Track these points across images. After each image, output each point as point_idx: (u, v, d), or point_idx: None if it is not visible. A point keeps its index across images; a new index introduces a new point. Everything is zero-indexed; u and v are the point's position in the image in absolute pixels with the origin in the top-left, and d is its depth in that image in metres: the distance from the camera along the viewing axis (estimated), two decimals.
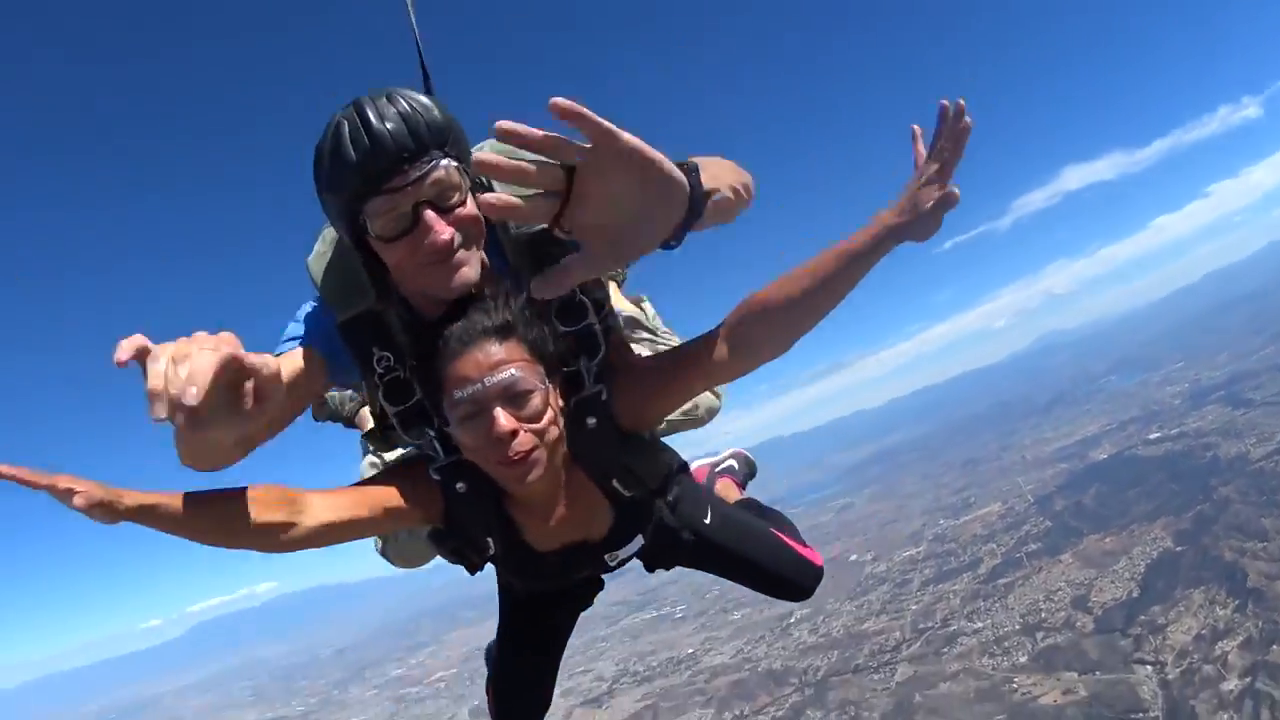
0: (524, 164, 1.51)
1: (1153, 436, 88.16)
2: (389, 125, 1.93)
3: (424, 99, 2.03)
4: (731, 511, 3.06)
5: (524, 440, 2.02)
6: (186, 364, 1.36)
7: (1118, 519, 69.62)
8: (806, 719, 59.13)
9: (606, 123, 1.45)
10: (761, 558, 3.00)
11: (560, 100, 1.37)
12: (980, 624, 63.12)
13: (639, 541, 2.57)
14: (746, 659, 73.65)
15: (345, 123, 1.96)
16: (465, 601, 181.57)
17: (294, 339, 2.29)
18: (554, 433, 2.10)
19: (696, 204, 1.70)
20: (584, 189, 1.54)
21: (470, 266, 2.08)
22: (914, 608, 71.78)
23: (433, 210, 1.99)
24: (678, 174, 1.62)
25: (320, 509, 2.16)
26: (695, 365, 2.19)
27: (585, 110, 1.41)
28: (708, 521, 2.80)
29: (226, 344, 1.44)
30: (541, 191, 1.57)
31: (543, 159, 1.51)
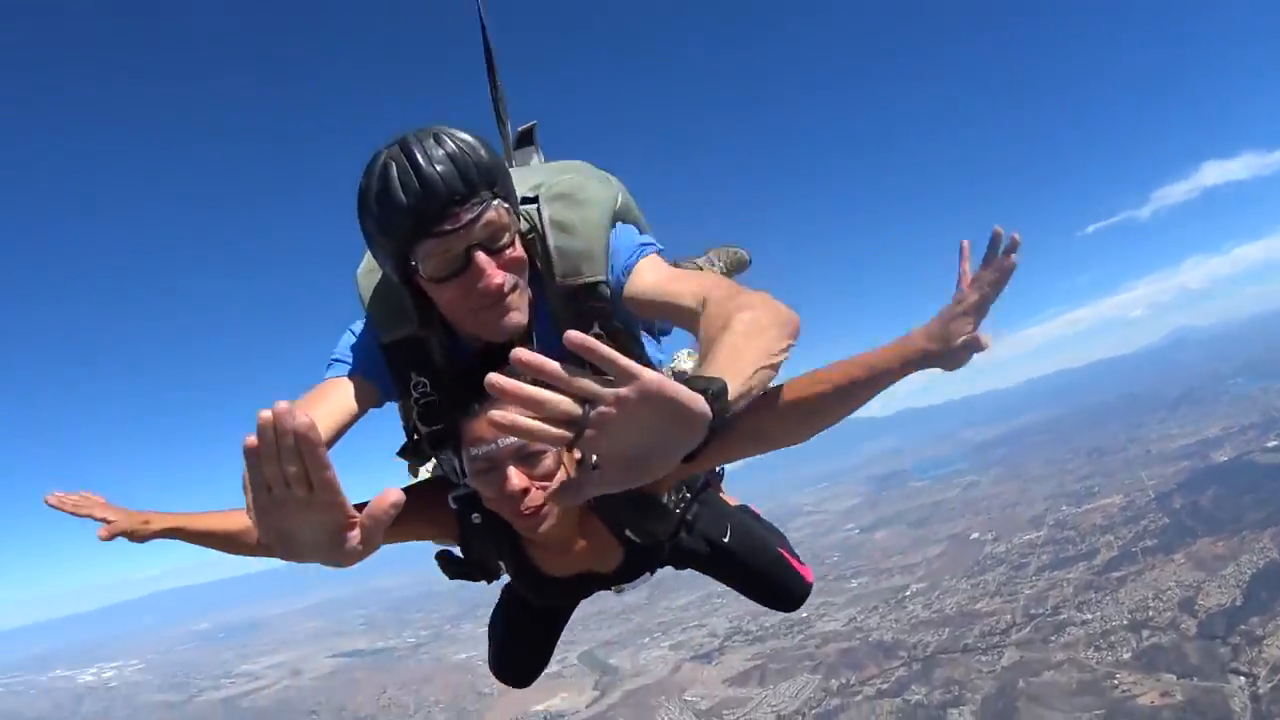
0: (540, 394, 1.33)
1: (1270, 444, 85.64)
2: (439, 168, 1.96)
3: (469, 137, 2.06)
4: (748, 527, 3.20)
5: (535, 497, 2.17)
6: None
7: (1230, 524, 68.27)
8: (911, 694, 59.09)
9: (626, 361, 1.33)
10: (772, 573, 3.23)
11: (575, 335, 1.29)
12: (1090, 615, 62.47)
13: (646, 576, 2.82)
14: (858, 628, 73.46)
15: (393, 164, 1.99)
16: None
17: (341, 361, 2.42)
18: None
19: (719, 427, 1.53)
20: (602, 419, 1.35)
21: (519, 311, 2.17)
22: (1028, 592, 71.02)
23: (484, 253, 2.05)
24: (699, 406, 1.41)
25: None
26: (716, 442, 2.07)
27: (603, 348, 1.30)
28: (726, 540, 2.98)
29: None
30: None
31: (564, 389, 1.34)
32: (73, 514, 2.50)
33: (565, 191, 2.41)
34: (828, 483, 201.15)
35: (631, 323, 2.50)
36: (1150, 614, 59.50)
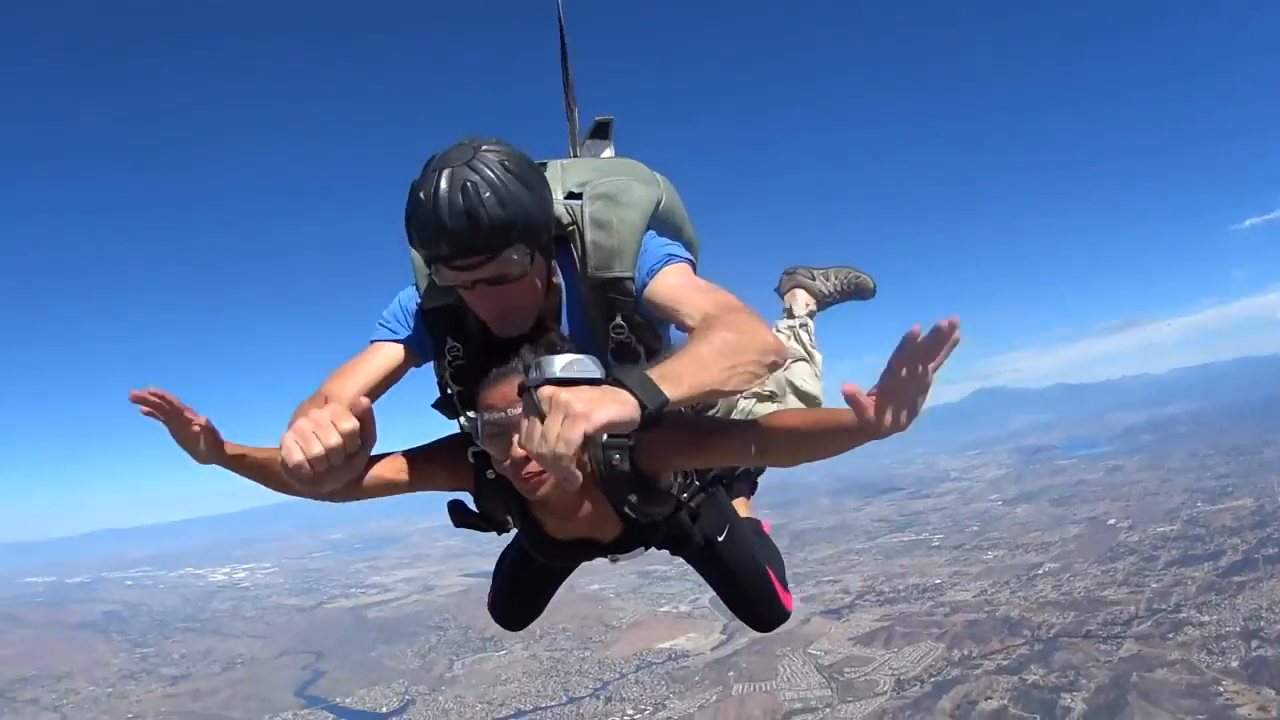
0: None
1: None
2: (454, 226, 2.19)
3: (499, 181, 2.22)
4: (744, 535, 3.40)
5: (535, 465, 2.35)
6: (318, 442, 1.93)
7: None
8: (1029, 674, 58.83)
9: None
10: (749, 588, 3.42)
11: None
12: (1207, 618, 61.34)
13: (640, 550, 3.00)
14: (988, 601, 73.07)
15: (423, 197, 2.23)
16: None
17: (386, 325, 2.75)
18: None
19: (650, 423, 1.79)
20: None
21: (519, 324, 2.48)
22: (1154, 585, 70.02)
23: (488, 286, 2.35)
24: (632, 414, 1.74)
25: (381, 473, 2.66)
26: (710, 445, 2.46)
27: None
28: (721, 539, 3.19)
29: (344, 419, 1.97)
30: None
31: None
32: (151, 413, 2.23)
33: (608, 192, 2.64)
34: (977, 450, 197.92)
35: (656, 318, 2.62)
36: (1262, 624, 58.76)
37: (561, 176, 2.78)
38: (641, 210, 2.66)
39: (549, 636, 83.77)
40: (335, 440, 1.96)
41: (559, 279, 2.66)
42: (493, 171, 2.24)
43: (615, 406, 1.71)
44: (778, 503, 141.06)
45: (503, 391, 2.41)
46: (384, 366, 2.67)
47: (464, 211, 2.18)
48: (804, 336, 4.35)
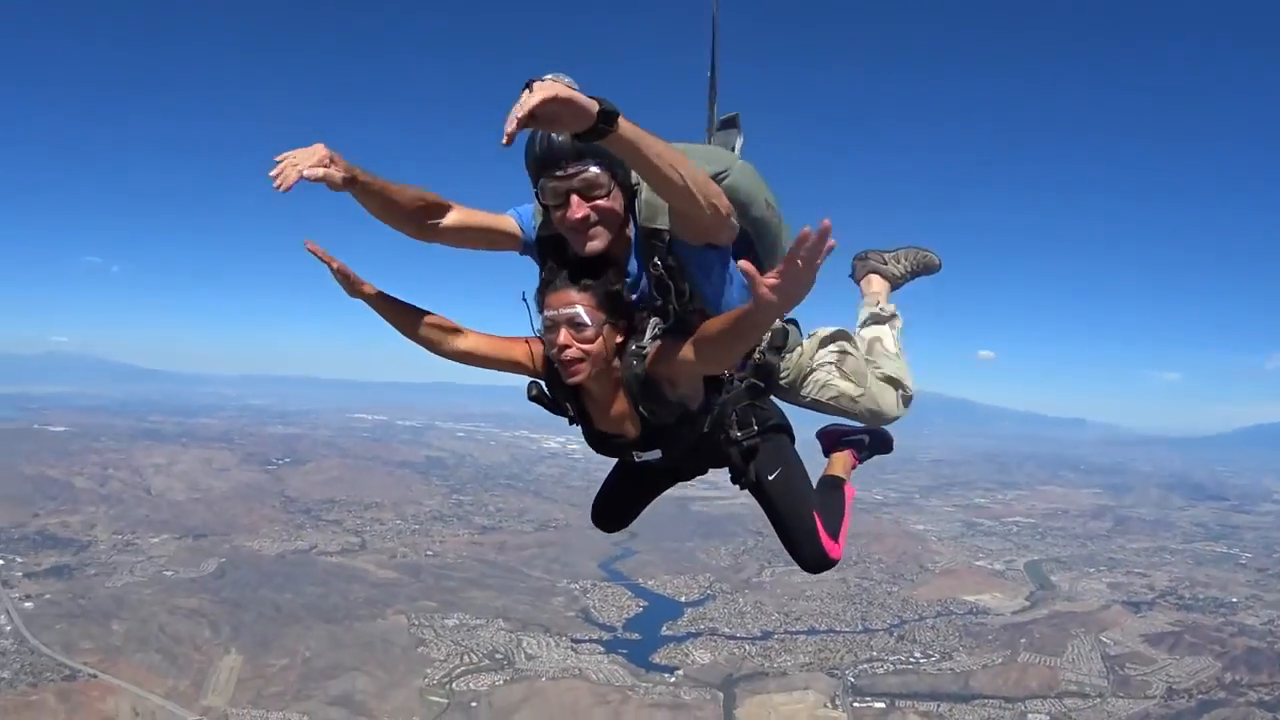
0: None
1: None
2: (561, 137, 2.90)
3: None
4: (795, 479, 4.02)
5: (573, 352, 3.13)
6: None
7: None
8: None
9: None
10: (792, 527, 3.99)
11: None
12: None
13: (657, 453, 3.57)
14: (1272, 631, 72.37)
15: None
16: (1067, 461, 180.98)
17: (518, 214, 3.53)
18: (599, 355, 3.17)
19: (603, 119, 2.34)
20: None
21: (598, 240, 3.09)
22: None
23: (579, 196, 3.00)
24: (589, 105, 2.30)
25: (468, 341, 3.59)
26: (673, 358, 3.12)
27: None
28: (771, 478, 3.89)
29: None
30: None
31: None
32: (323, 260, 3.39)
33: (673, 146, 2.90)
34: None
35: (690, 262, 3.19)
36: None
37: None
38: None
39: (863, 564, 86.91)
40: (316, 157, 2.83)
41: (631, 231, 3.27)
42: None
43: (559, 88, 2.26)
44: (1111, 485, 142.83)
45: (558, 296, 3.18)
46: (499, 224, 3.53)
47: None
48: (891, 336, 4.65)
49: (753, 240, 3.45)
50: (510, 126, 2.57)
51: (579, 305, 3.14)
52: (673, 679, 64.72)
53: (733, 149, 3.90)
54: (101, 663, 64.59)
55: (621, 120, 2.39)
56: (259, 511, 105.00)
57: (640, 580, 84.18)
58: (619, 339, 3.26)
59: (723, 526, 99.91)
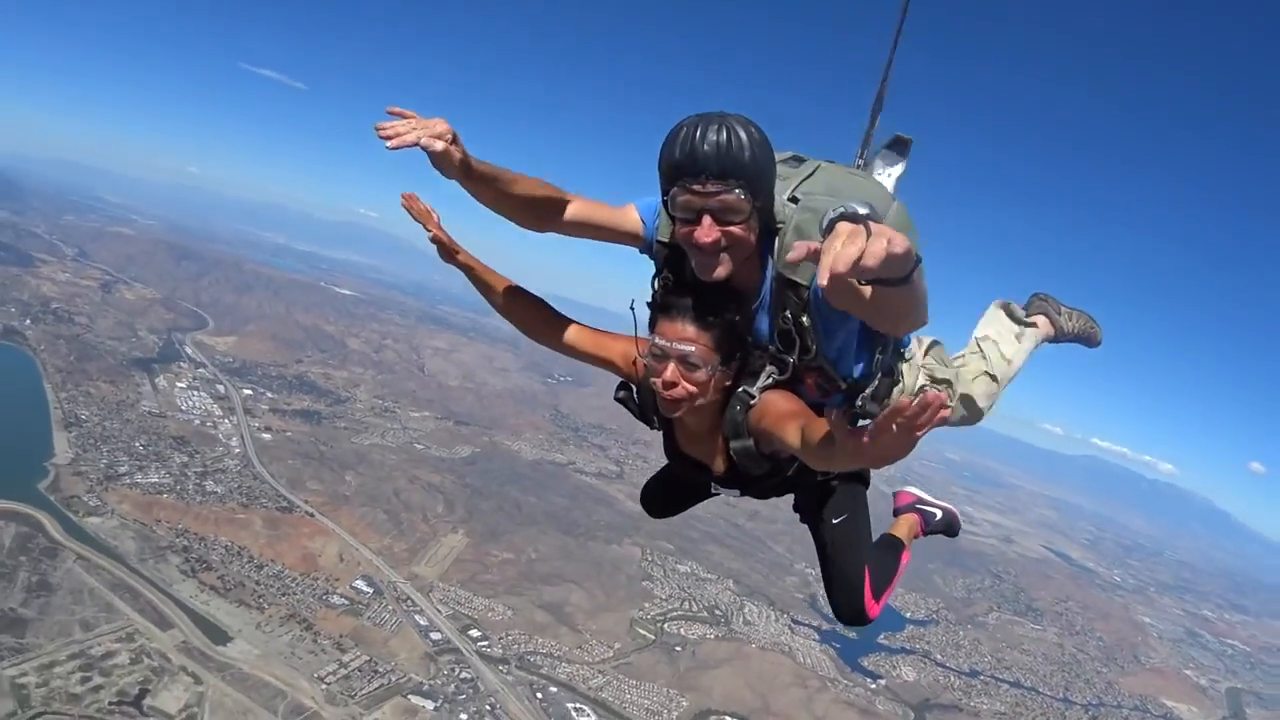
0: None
1: None
2: (707, 148, 2.69)
3: (747, 138, 2.71)
4: (858, 529, 3.84)
5: (678, 391, 2.99)
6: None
7: None
8: None
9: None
10: (839, 573, 3.80)
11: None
12: None
13: (737, 491, 3.53)
14: None
15: (686, 129, 2.73)
16: None
17: (641, 204, 3.29)
18: (703, 397, 3.02)
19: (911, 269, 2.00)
20: None
21: (723, 269, 2.87)
22: None
23: (711, 218, 2.77)
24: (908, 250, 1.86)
25: (569, 334, 3.48)
26: (775, 425, 2.89)
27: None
28: (835, 521, 3.78)
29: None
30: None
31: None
32: (415, 219, 3.37)
33: (817, 208, 2.90)
34: None
35: (828, 323, 2.97)
36: None
37: (795, 176, 3.16)
38: None
39: (1083, 637, 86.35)
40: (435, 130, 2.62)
41: (767, 272, 3.05)
42: (745, 130, 2.75)
43: (900, 238, 1.83)
44: None
45: (675, 328, 3.00)
46: (621, 222, 3.30)
47: (715, 141, 2.70)
48: (1012, 337, 4.37)
49: None
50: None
51: (695, 345, 2.96)
52: (874, 685, 65.24)
53: (890, 177, 3.70)
54: (323, 505, 69.31)
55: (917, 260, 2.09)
56: (527, 416, 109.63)
57: None
58: (727, 383, 3.09)
59: (966, 560, 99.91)
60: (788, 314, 2.97)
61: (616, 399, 3.54)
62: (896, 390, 3.52)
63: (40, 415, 70.30)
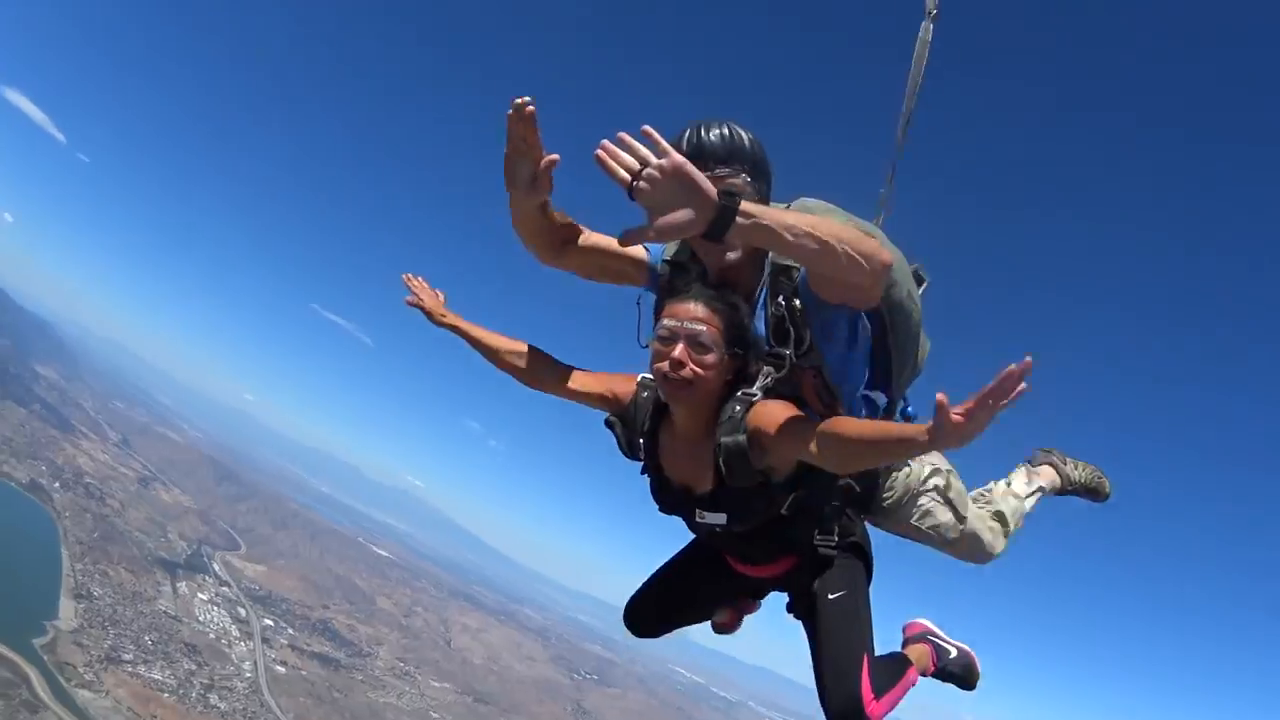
0: (611, 147, 2.34)
1: None
2: (712, 138, 2.88)
3: (747, 135, 2.92)
4: (857, 609, 3.38)
5: (686, 372, 2.84)
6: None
7: None
8: None
9: (666, 145, 2.25)
10: (830, 656, 3.30)
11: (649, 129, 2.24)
12: None
13: (723, 517, 3.12)
14: None
15: (689, 129, 2.90)
16: None
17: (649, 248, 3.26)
18: (709, 384, 2.88)
19: (722, 225, 2.28)
20: (648, 178, 2.26)
21: (735, 253, 2.94)
22: None
23: None
24: (708, 189, 2.25)
25: (571, 377, 3.39)
26: (779, 428, 2.75)
27: (655, 135, 2.26)
28: (831, 597, 3.35)
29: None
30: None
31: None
32: (412, 290, 3.68)
33: (809, 205, 2.91)
34: None
35: (815, 309, 2.88)
36: None
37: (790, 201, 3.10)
38: None
39: None
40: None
41: (767, 269, 3.00)
42: (745, 129, 2.93)
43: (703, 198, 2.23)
44: None
45: (686, 308, 2.88)
46: (626, 254, 3.23)
47: (719, 134, 2.88)
48: (1023, 479, 4.40)
49: (885, 328, 3.04)
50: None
51: (707, 325, 2.83)
52: None
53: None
54: None
55: (741, 201, 2.31)
56: (549, 708, 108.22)
57: None
58: (729, 377, 2.93)
59: None
60: (780, 301, 2.90)
61: (607, 424, 3.34)
62: (903, 475, 3.61)
63: (51, 576, 69.05)
